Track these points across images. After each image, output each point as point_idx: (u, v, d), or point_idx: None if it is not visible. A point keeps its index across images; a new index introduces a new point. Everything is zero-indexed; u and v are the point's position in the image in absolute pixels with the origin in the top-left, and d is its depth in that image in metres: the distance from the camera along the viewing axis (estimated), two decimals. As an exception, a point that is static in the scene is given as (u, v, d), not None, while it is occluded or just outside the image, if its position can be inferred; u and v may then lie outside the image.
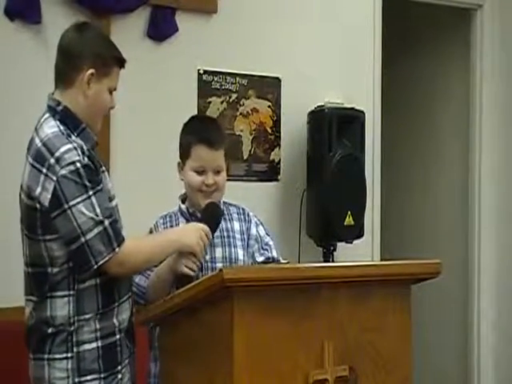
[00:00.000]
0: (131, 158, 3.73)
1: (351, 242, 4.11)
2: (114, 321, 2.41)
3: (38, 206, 2.33)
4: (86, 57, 2.40)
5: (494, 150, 4.93)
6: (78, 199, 2.27)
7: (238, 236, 2.63)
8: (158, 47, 3.82)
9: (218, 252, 2.57)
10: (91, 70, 2.39)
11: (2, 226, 3.35)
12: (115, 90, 2.51)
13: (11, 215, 3.34)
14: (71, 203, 2.27)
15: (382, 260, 4.38)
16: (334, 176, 3.99)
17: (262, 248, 2.67)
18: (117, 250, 2.29)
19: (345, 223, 4.02)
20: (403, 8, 4.97)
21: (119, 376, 2.43)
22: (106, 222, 2.29)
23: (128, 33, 3.72)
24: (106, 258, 2.28)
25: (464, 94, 5.07)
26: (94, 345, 2.37)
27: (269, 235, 2.73)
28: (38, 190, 2.31)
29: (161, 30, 3.80)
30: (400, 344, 2.29)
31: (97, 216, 2.28)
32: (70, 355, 2.36)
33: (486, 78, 4.91)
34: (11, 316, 3.07)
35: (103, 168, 2.46)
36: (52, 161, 2.29)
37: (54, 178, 2.28)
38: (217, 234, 2.57)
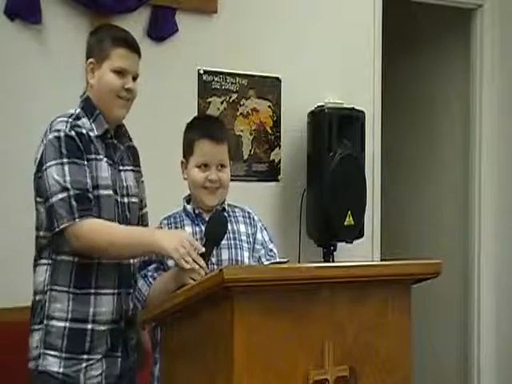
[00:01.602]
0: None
1: (351, 242, 4.12)
2: (90, 310, 2.46)
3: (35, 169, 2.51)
4: (90, 49, 2.58)
5: (494, 150, 4.93)
6: (53, 162, 2.41)
7: (244, 238, 2.61)
8: (158, 47, 3.82)
9: (225, 254, 2.54)
10: (90, 60, 2.55)
11: (1, 227, 3.35)
12: (128, 71, 2.55)
13: (13, 217, 3.35)
14: (47, 165, 2.42)
15: (382, 260, 4.38)
16: (334, 176, 3.99)
17: (268, 254, 2.66)
18: (77, 220, 2.36)
19: (345, 223, 4.02)
20: (403, 8, 4.97)
21: (83, 365, 2.47)
22: (72, 192, 2.39)
23: (128, 33, 3.72)
24: (66, 224, 2.37)
25: (464, 94, 5.07)
26: (61, 324, 2.46)
27: (272, 241, 2.71)
28: (37, 158, 2.50)
29: (161, 30, 3.81)
30: (400, 344, 2.29)
31: (64, 182, 2.39)
32: (41, 327, 2.49)
33: (486, 78, 4.91)
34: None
35: (100, 157, 2.51)
36: (48, 131, 2.49)
37: (44, 142, 2.47)
38: None
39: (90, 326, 2.47)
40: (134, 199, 2.64)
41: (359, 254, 4.23)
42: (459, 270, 4.98)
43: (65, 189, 2.38)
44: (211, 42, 3.95)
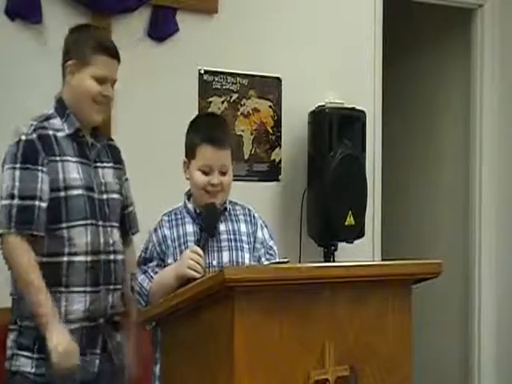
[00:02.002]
0: (132, 157, 3.72)
1: (352, 242, 4.11)
2: (62, 308, 2.47)
3: None
4: (70, 50, 2.60)
5: (494, 150, 4.93)
6: (8, 165, 2.50)
7: (244, 238, 2.61)
8: (158, 47, 3.82)
9: (225, 256, 2.55)
10: (71, 61, 2.57)
11: None
12: (108, 79, 2.60)
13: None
14: (4, 168, 2.50)
15: (382, 260, 4.38)
16: (334, 176, 3.99)
17: (268, 253, 2.66)
18: (12, 231, 2.42)
19: (345, 223, 4.02)
20: (403, 8, 4.97)
21: None
22: (16, 201, 2.44)
23: (128, 33, 3.72)
24: (1, 231, 2.43)
25: (464, 94, 5.07)
26: (33, 323, 2.46)
27: (272, 238, 2.71)
28: None
29: (161, 29, 3.80)
30: (400, 344, 2.30)
31: (12, 188, 2.45)
32: (15, 327, 2.52)
33: (486, 78, 4.91)
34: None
35: (67, 158, 2.54)
36: None
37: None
38: (224, 236, 2.57)
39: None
40: (113, 195, 2.67)
41: (360, 254, 4.23)
42: (459, 270, 4.98)
43: (10, 196, 2.45)
44: (212, 42, 3.95)
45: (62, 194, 2.51)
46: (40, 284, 2.42)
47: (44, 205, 2.47)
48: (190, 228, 2.58)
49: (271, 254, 2.67)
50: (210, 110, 3.93)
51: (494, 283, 4.91)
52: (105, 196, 2.63)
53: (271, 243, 2.69)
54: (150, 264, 2.57)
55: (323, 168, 4.01)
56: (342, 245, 4.12)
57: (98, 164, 2.65)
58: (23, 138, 2.50)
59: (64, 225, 2.51)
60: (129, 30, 3.73)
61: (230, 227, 2.61)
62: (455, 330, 5.07)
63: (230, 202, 2.67)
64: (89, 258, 2.53)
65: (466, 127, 5.05)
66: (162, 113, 3.79)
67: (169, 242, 2.57)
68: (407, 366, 2.32)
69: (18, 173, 2.46)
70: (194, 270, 2.40)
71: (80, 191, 2.54)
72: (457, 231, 5.11)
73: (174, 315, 2.23)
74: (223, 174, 2.56)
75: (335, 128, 4.03)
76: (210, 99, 3.95)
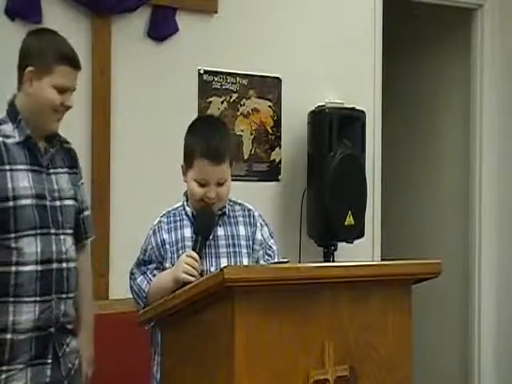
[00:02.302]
0: (132, 157, 3.73)
1: (352, 242, 4.12)
2: (9, 318, 2.42)
3: None
4: (29, 56, 2.54)
5: (494, 150, 4.93)
6: None
7: (243, 243, 2.60)
8: (158, 47, 3.82)
9: (224, 262, 2.53)
10: (30, 68, 2.51)
11: None
12: (69, 89, 2.53)
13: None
14: None
15: (382, 260, 4.38)
16: (334, 176, 3.99)
17: (266, 253, 2.65)
18: None
19: (345, 223, 4.02)
20: (403, 8, 4.97)
21: (3, 376, 2.42)
22: None
23: (128, 33, 3.73)
24: None
25: (464, 94, 5.07)
26: None
27: (272, 237, 2.70)
28: None
29: (161, 29, 3.81)
30: (400, 344, 2.29)
31: None
32: None
33: (485, 78, 4.91)
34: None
35: (16, 166, 2.46)
36: None
37: None
38: (222, 242, 2.56)
39: (9, 336, 2.43)
40: (67, 202, 2.59)
41: (359, 254, 4.23)
42: (459, 270, 4.98)
43: None
44: (211, 42, 3.95)
45: (11, 203, 2.43)
46: None
47: None
48: (188, 232, 2.57)
49: (269, 255, 2.66)
50: (209, 110, 3.93)
51: (493, 283, 4.91)
52: (58, 203, 2.55)
53: (270, 242, 2.68)
54: (150, 266, 2.57)
55: (323, 168, 4.01)
56: (341, 245, 4.12)
57: (51, 170, 2.57)
58: None
59: (12, 235, 2.43)
60: (129, 30, 3.73)
61: (229, 232, 2.59)
62: (455, 330, 5.07)
63: (230, 201, 2.66)
64: (39, 268, 2.46)
65: (466, 127, 5.05)
66: (162, 113, 3.79)
67: (167, 246, 2.56)
68: (407, 366, 2.32)
69: None
70: (189, 274, 2.39)
71: (29, 201, 2.46)
72: (457, 231, 5.11)
73: (174, 315, 2.23)
74: (221, 184, 2.54)
75: (335, 128, 4.03)
76: (210, 99, 3.95)
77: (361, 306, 2.20)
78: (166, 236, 2.57)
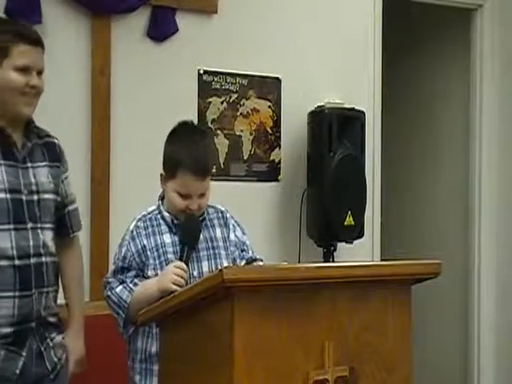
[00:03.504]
0: (131, 157, 3.73)
1: (351, 242, 4.12)
2: None
3: None
4: None
5: (494, 150, 4.93)
6: None
7: (221, 244, 2.60)
8: (158, 47, 3.82)
9: (205, 266, 2.54)
10: None
11: None
12: (32, 68, 2.45)
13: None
14: None
15: (382, 260, 4.38)
16: (334, 176, 3.99)
17: (242, 250, 2.65)
18: None
19: (345, 223, 4.02)
20: (403, 8, 4.97)
21: None
22: None
23: (128, 33, 3.73)
24: None
25: (464, 94, 5.07)
26: None
27: (245, 234, 2.70)
28: None
29: (161, 29, 3.81)
30: (400, 344, 2.29)
31: None
32: None
33: (486, 78, 4.91)
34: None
35: None
36: None
37: None
38: (202, 245, 2.55)
39: None
40: (46, 196, 2.55)
41: (359, 254, 4.23)
42: (459, 270, 4.98)
43: None
44: (211, 42, 3.95)
45: None
46: None
47: None
48: (167, 238, 2.55)
49: (243, 250, 2.66)
50: (209, 110, 3.94)
51: (493, 283, 4.91)
52: (35, 197, 2.51)
53: (244, 238, 2.68)
54: (128, 274, 2.53)
55: (323, 168, 4.01)
56: (341, 245, 4.12)
57: (29, 164, 2.52)
58: None
59: None
60: (129, 30, 3.73)
61: (207, 235, 2.59)
62: (455, 330, 5.07)
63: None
64: (17, 263, 2.43)
65: (466, 127, 5.05)
66: (162, 113, 3.79)
67: (148, 252, 2.53)
68: (407, 366, 2.32)
69: None
70: (178, 285, 2.38)
71: (2, 195, 2.42)
72: (456, 231, 5.11)
73: (174, 315, 2.23)
74: (202, 195, 2.53)
75: (335, 128, 4.03)
76: (210, 99, 3.95)
77: (361, 306, 2.20)
78: (145, 242, 2.54)
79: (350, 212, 4.03)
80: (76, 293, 2.75)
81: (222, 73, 3.99)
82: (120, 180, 3.68)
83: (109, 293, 2.54)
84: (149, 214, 2.60)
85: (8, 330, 2.43)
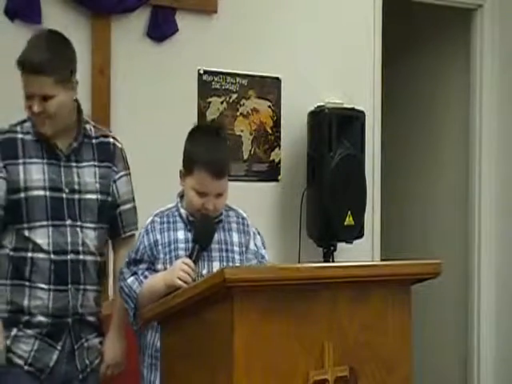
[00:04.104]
0: (131, 157, 3.72)
1: (351, 242, 4.12)
2: (25, 301, 2.53)
3: None
4: None
5: (494, 150, 4.93)
6: None
7: (236, 249, 2.61)
8: (158, 47, 3.82)
9: (216, 266, 2.54)
10: None
11: None
12: (34, 95, 2.56)
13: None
14: None
15: (382, 260, 4.38)
16: (334, 176, 3.99)
17: (260, 262, 2.65)
18: None
19: (345, 223, 4.02)
20: (403, 8, 4.97)
21: (13, 333, 2.54)
22: None
23: (128, 33, 3.73)
24: None
25: (464, 94, 5.07)
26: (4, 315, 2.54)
27: (264, 247, 2.71)
28: None
29: (161, 29, 3.81)
30: (400, 344, 2.29)
31: None
32: None
33: (485, 78, 4.91)
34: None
35: (31, 160, 2.57)
36: None
37: None
38: (215, 246, 2.56)
39: (26, 318, 2.54)
40: (89, 196, 2.63)
41: (359, 254, 4.23)
42: (459, 270, 4.98)
43: None
44: (211, 42, 3.95)
45: (22, 195, 2.54)
46: None
47: (1, 212, 2.55)
48: (181, 234, 2.57)
49: (261, 262, 2.66)
50: (209, 110, 3.94)
51: (493, 283, 4.90)
52: (76, 196, 2.60)
53: (263, 252, 2.68)
54: (140, 266, 2.56)
55: (322, 168, 4.01)
56: (341, 245, 4.12)
57: (73, 163, 2.63)
58: None
59: (25, 225, 2.54)
60: (129, 30, 3.73)
61: (222, 237, 2.60)
62: (455, 330, 5.07)
63: (225, 206, 2.65)
64: (53, 257, 2.54)
65: (466, 127, 5.05)
66: (162, 113, 3.79)
67: (159, 247, 2.56)
68: (407, 365, 2.32)
69: None
70: (184, 281, 2.39)
71: (41, 192, 2.55)
72: (456, 231, 5.11)
73: (174, 316, 2.23)
74: (219, 195, 2.54)
75: (334, 128, 4.03)
76: (210, 99, 3.95)
77: (360, 306, 2.20)
78: (158, 236, 2.57)
79: (349, 212, 4.04)
80: (117, 295, 2.77)
81: (222, 73, 3.99)
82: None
83: (122, 283, 2.58)
84: (167, 210, 2.64)
85: (43, 319, 2.53)
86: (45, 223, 2.54)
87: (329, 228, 4.03)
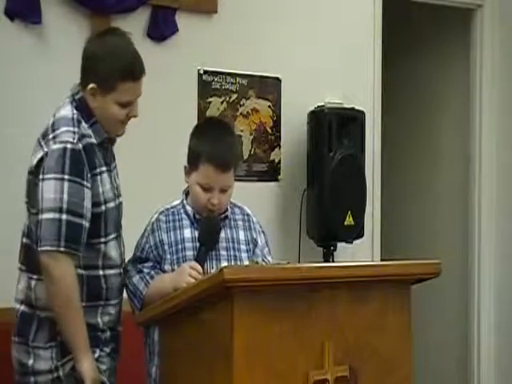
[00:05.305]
0: (131, 157, 3.72)
1: (351, 242, 4.12)
2: (98, 320, 2.44)
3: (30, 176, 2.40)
4: (92, 72, 2.44)
5: (493, 150, 4.93)
6: (52, 175, 2.29)
7: (243, 247, 2.59)
8: (158, 47, 3.81)
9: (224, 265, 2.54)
10: (92, 85, 2.42)
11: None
12: (131, 101, 2.46)
13: (12, 218, 3.35)
14: (46, 176, 2.30)
15: (382, 260, 4.38)
16: (334, 176, 3.99)
17: (263, 261, 2.64)
18: (62, 249, 2.26)
19: (345, 223, 4.02)
20: (403, 8, 4.97)
21: (96, 354, 2.42)
22: (65, 216, 2.27)
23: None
24: (46, 248, 2.25)
25: (464, 94, 5.07)
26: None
27: (267, 245, 2.70)
28: (33, 160, 2.38)
29: (161, 29, 3.80)
30: (400, 344, 2.30)
31: (60, 201, 2.27)
32: (54, 344, 2.38)
33: (485, 78, 4.91)
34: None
35: (102, 169, 2.43)
36: (50, 136, 2.36)
37: (45, 150, 2.34)
38: (222, 245, 2.55)
39: (104, 336, 2.48)
40: (121, 198, 2.59)
41: (359, 254, 4.23)
42: (459, 270, 4.98)
43: (59, 209, 2.26)
44: (211, 42, 3.95)
45: (103, 208, 2.41)
46: (80, 308, 2.31)
47: (88, 225, 2.33)
48: (187, 233, 2.55)
49: (264, 260, 2.65)
50: (209, 110, 3.93)
51: (493, 283, 4.91)
52: (121, 199, 2.56)
53: (265, 251, 2.68)
54: (146, 264, 2.54)
55: (322, 168, 4.01)
56: (341, 245, 4.12)
57: (112, 168, 2.56)
58: (69, 146, 2.31)
59: (102, 239, 2.42)
60: (128, 30, 3.72)
61: (229, 235, 2.58)
62: (455, 330, 5.07)
63: (230, 203, 2.63)
64: (120, 271, 2.50)
65: (466, 127, 5.05)
66: (162, 113, 3.79)
67: (166, 247, 2.53)
68: (407, 366, 2.32)
69: (66, 185, 2.27)
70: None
71: (113, 203, 2.46)
72: (456, 231, 5.11)
73: (174, 315, 2.23)
74: (224, 191, 2.52)
75: (334, 128, 4.03)
76: (210, 99, 3.95)
77: (360, 306, 2.20)
78: (164, 236, 2.55)
79: (349, 212, 4.04)
80: None
81: (221, 73, 3.99)
82: (120, 179, 3.68)
83: (126, 281, 2.55)
84: (172, 207, 2.61)
85: (111, 333, 2.49)
86: (115, 235, 2.47)
87: (329, 228, 4.03)
